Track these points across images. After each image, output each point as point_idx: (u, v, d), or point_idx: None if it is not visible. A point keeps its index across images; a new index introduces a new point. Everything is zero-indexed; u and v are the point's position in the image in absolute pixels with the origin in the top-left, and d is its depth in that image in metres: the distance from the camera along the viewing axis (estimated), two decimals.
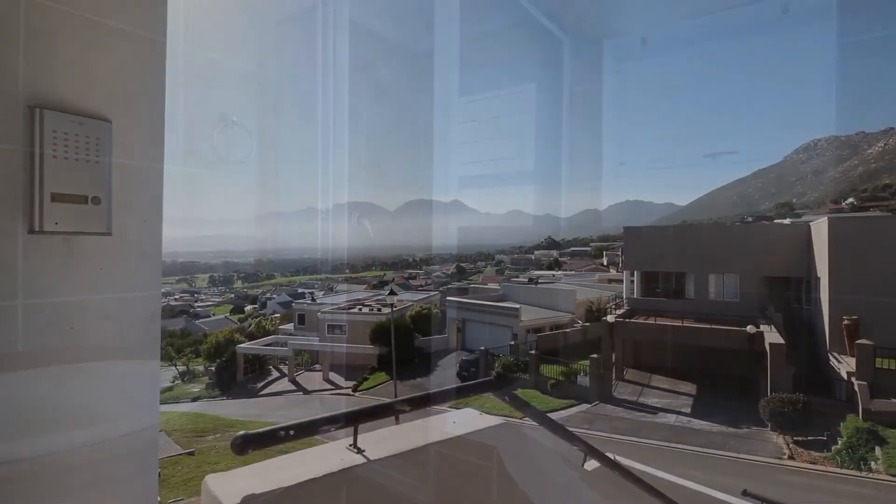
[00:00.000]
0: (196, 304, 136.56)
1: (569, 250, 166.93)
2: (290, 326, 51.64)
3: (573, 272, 78.46)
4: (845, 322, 17.80)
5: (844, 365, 16.54)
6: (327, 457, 1.66)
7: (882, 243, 18.25)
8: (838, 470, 13.43)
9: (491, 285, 54.92)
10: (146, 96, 1.34)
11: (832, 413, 15.74)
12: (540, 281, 53.41)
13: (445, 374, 29.74)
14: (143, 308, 1.36)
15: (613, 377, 23.35)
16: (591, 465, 3.04)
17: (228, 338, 40.57)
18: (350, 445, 1.72)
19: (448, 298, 41.38)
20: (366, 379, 31.22)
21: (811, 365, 19.84)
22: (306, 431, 1.63)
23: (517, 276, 76.11)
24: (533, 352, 24.74)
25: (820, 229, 20.55)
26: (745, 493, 3.86)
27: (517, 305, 33.77)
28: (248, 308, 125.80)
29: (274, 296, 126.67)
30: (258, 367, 39.99)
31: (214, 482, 1.55)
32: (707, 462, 14.71)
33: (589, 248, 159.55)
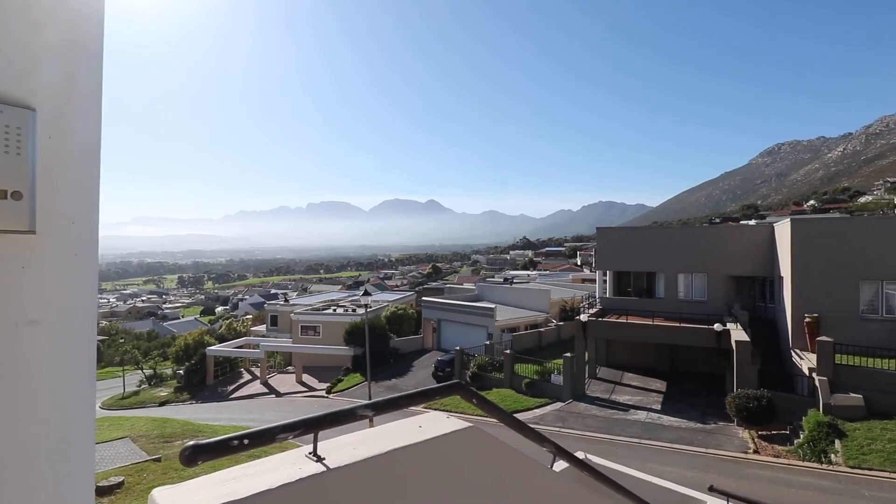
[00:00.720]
0: (164, 306, 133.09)
1: (543, 250, 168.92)
2: (262, 328, 50.78)
3: (548, 272, 79.40)
4: (807, 320, 18.45)
5: (806, 361, 17.12)
6: (284, 466, 1.58)
7: (841, 244, 18.99)
8: (800, 463, 13.90)
9: (467, 285, 55.07)
10: (79, 84, 1.22)
11: (795, 408, 16.28)
12: (515, 281, 53.80)
13: (421, 375, 29.63)
14: (73, 312, 1.24)
15: (587, 375, 23.66)
16: (560, 465, 3.04)
17: (198, 340, 39.54)
18: (309, 453, 1.65)
19: (424, 299, 41.27)
20: (340, 380, 30.88)
21: (775, 361, 20.50)
22: (262, 440, 1.55)
23: (493, 276, 76.48)
24: (508, 351, 24.88)
25: (783, 230, 21.25)
26: (711, 489, 3.93)
27: (492, 305, 33.94)
28: (219, 309, 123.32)
29: (246, 297, 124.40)
30: (229, 369, 39.15)
31: (162, 495, 1.46)
32: (676, 457, 15.03)
33: (563, 249, 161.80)
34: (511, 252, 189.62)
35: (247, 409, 27.91)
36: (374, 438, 1.79)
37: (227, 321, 63.91)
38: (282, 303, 51.66)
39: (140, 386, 39.13)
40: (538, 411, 20.68)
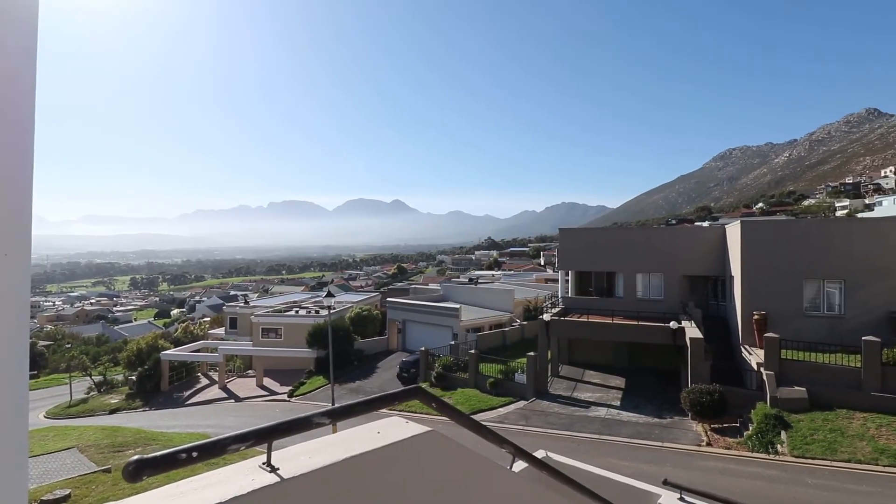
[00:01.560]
0: (115, 309, 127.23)
1: (508, 251, 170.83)
2: (221, 331, 49.28)
3: (512, 272, 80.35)
4: (755, 317, 19.38)
5: (755, 356, 17.98)
6: (237, 478, 1.53)
7: (786, 245, 20.05)
8: (750, 454, 14.59)
9: (432, 286, 55.05)
10: (6, 78, 1.14)
11: (745, 401, 17.07)
12: (480, 281, 54.17)
13: (385, 376, 29.43)
14: (2, 316, 1.15)
15: (549, 374, 24.07)
16: (520, 465, 3.07)
17: (152, 344, 37.99)
18: (263, 464, 1.60)
19: (389, 299, 41.01)
20: (303, 383, 30.31)
21: (727, 357, 21.43)
22: (212, 452, 1.49)
23: (458, 277, 76.77)
24: (473, 351, 25.03)
25: (733, 232, 22.25)
26: (665, 483, 4.06)
27: (457, 305, 34.06)
28: (175, 312, 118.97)
29: (204, 299, 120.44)
30: (185, 374, 37.79)
31: None
32: (635, 452, 15.49)
33: (527, 249, 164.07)
34: (476, 252, 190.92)
35: (204, 415, 27.00)
36: (331, 446, 1.76)
37: (184, 324, 61.67)
38: (242, 305, 50.27)
39: (89, 393, 37.27)
40: (502, 410, 20.89)
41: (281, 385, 32.11)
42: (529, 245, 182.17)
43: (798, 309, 19.37)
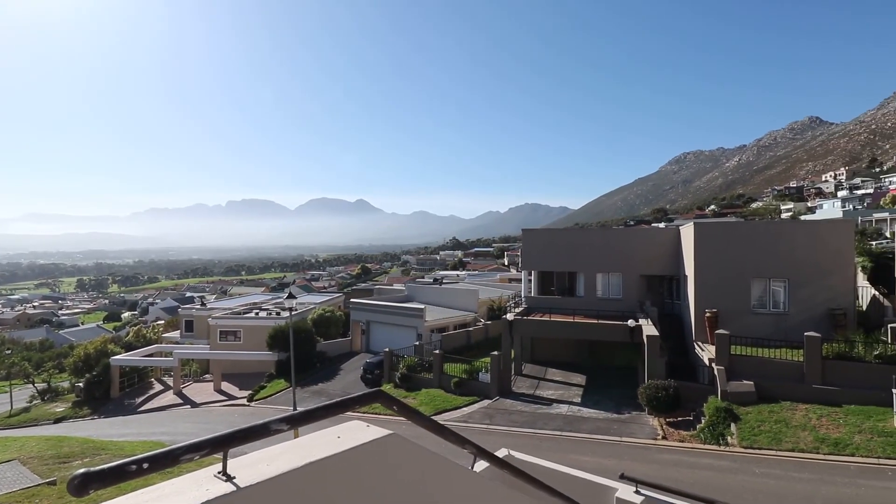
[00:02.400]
0: (60, 312, 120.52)
1: (472, 251, 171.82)
2: (176, 334, 47.51)
3: (476, 272, 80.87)
4: (707, 314, 20.23)
5: (707, 352, 18.77)
6: (190, 489, 1.49)
7: (735, 245, 21.04)
8: (702, 446, 15.21)
9: (396, 286, 54.79)
10: None
11: (697, 395, 17.77)
12: (445, 281, 54.28)
13: (349, 378, 29.08)
14: None
15: (513, 372, 24.39)
16: (482, 465, 3.11)
17: (100, 349, 36.19)
18: (218, 472, 1.57)
19: (352, 300, 40.52)
20: (263, 387, 29.56)
21: (681, 353, 22.27)
22: (164, 463, 1.45)
23: (423, 277, 76.70)
24: (437, 351, 25.06)
25: (687, 233, 23.17)
26: (622, 477, 4.20)
27: (422, 306, 34.02)
28: (126, 315, 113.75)
29: (157, 301, 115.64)
30: (137, 380, 36.21)
31: None
32: (595, 447, 15.89)
33: (492, 249, 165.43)
34: (441, 252, 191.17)
35: (158, 422, 25.94)
36: (290, 452, 1.73)
37: (136, 327, 59.09)
38: (198, 306, 48.56)
39: (31, 402, 35.18)
40: (466, 409, 21.01)
41: (240, 389, 31.22)
42: (494, 245, 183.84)
43: (746, 307, 20.35)
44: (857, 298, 22.01)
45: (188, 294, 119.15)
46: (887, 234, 42.40)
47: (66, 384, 38.83)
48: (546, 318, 24.05)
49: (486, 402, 21.53)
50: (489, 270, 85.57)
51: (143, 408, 30.96)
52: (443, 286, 45.24)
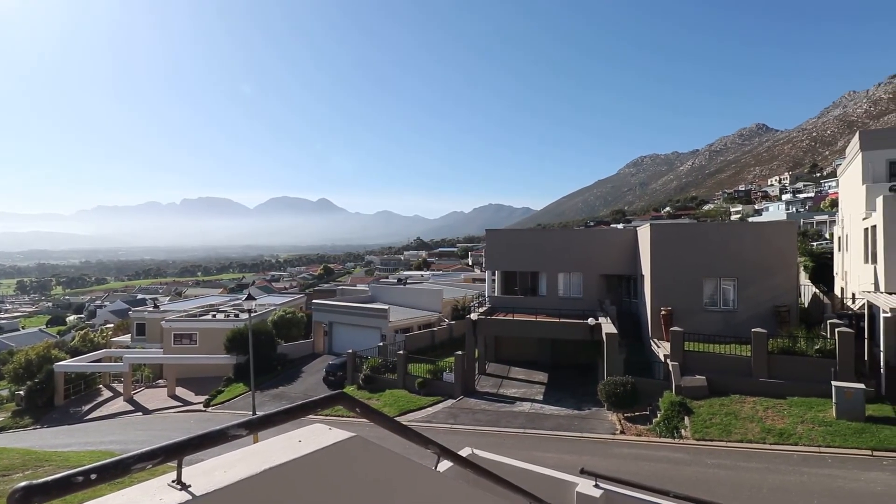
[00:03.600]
0: None
1: (437, 251, 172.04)
2: (126, 338, 45.50)
3: (441, 272, 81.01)
4: (662, 312, 20.98)
5: (662, 349, 19.46)
6: (143, 499, 1.43)
7: (689, 245, 21.91)
8: (658, 439, 15.76)
9: (360, 286, 54.17)
10: None
11: (654, 391, 18.39)
12: (409, 281, 54.10)
13: (311, 381, 28.56)
14: None
15: (477, 372, 24.56)
16: (445, 465, 3.13)
17: (43, 354, 34.21)
18: (173, 481, 1.51)
19: (314, 301, 39.81)
20: (221, 391, 28.65)
21: (638, 350, 23.00)
22: (114, 473, 1.38)
23: (387, 277, 76.18)
24: (401, 352, 24.95)
25: (644, 234, 23.96)
26: (582, 472, 4.30)
27: (386, 306, 33.79)
28: (72, 318, 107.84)
29: (106, 303, 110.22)
30: (84, 387, 34.40)
31: None
32: (557, 443, 16.20)
33: (456, 249, 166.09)
34: (405, 252, 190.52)
35: (108, 430, 24.72)
36: (248, 458, 1.69)
37: (82, 331, 56.03)
38: (151, 309, 46.60)
39: None
40: (431, 409, 21.02)
41: (196, 394, 30.14)
42: (458, 245, 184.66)
43: (699, 305, 21.22)
44: (800, 296, 23.31)
45: (140, 296, 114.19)
46: (826, 236, 45.15)
47: (5, 392, 36.47)
48: (509, 317, 24.35)
49: (450, 402, 21.59)
50: (453, 270, 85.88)
51: (90, 416, 29.44)
52: (407, 286, 45.07)
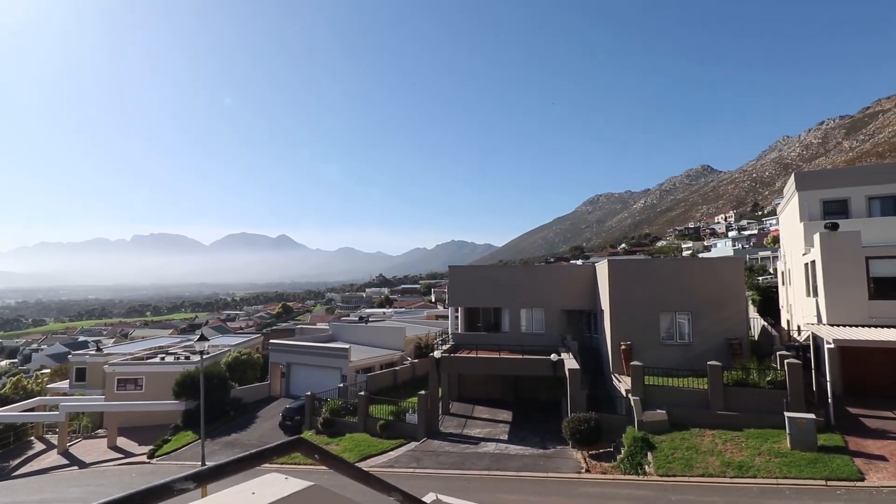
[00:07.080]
0: None
1: (400, 288, 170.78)
2: (64, 384, 42.37)
3: (403, 309, 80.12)
4: (622, 347, 21.34)
5: (624, 383, 19.66)
6: None
7: (645, 281, 22.60)
8: (623, 476, 15.69)
9: (320, 325, 52.77)
10: None
11: (617, 426, 18.44)
12: (371, 319, 53.18)
13: (266, 426, 27.15)
14: None
15: (440, 412, 24.02)
16: None
17: None
18: None
19: (272, 341, 38.36)
20: (167, 441, 26.78)
21: (600, 385, 23.16)
22: None
23: (348, 315, 74.67)
24: (363, 393, 24.18)
25: (602, 269, 24.59)
26: None
27: (347, 345, 32.91)
28: (4, 363, 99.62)
29: (43, 346, 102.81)
30: (13, 439, 31.48)
31: None
32: (522, 484, 15.87)
33: (419, 286, 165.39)
34: (367, 290, 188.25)
35: (37, 487, 22.53)
36: None
37: (14, 378, 51.69)
38: (93, 352, 43.68)
39: None
40: (393, 454, 20.28)
41: (140, 444, 28.06)
42: (421, 282, 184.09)
43: (657, 338, 21.74)
44: (750, 329, 24.27)
45: (81, 338, 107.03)
46: (771, 271, 47.66)
47: None
48: (473, 354, 24.16)
49: (413, 445, 20.92)
50: (416, 307, 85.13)
51: (18, 472, 26.79)
52: (369, 324, 44.23)
